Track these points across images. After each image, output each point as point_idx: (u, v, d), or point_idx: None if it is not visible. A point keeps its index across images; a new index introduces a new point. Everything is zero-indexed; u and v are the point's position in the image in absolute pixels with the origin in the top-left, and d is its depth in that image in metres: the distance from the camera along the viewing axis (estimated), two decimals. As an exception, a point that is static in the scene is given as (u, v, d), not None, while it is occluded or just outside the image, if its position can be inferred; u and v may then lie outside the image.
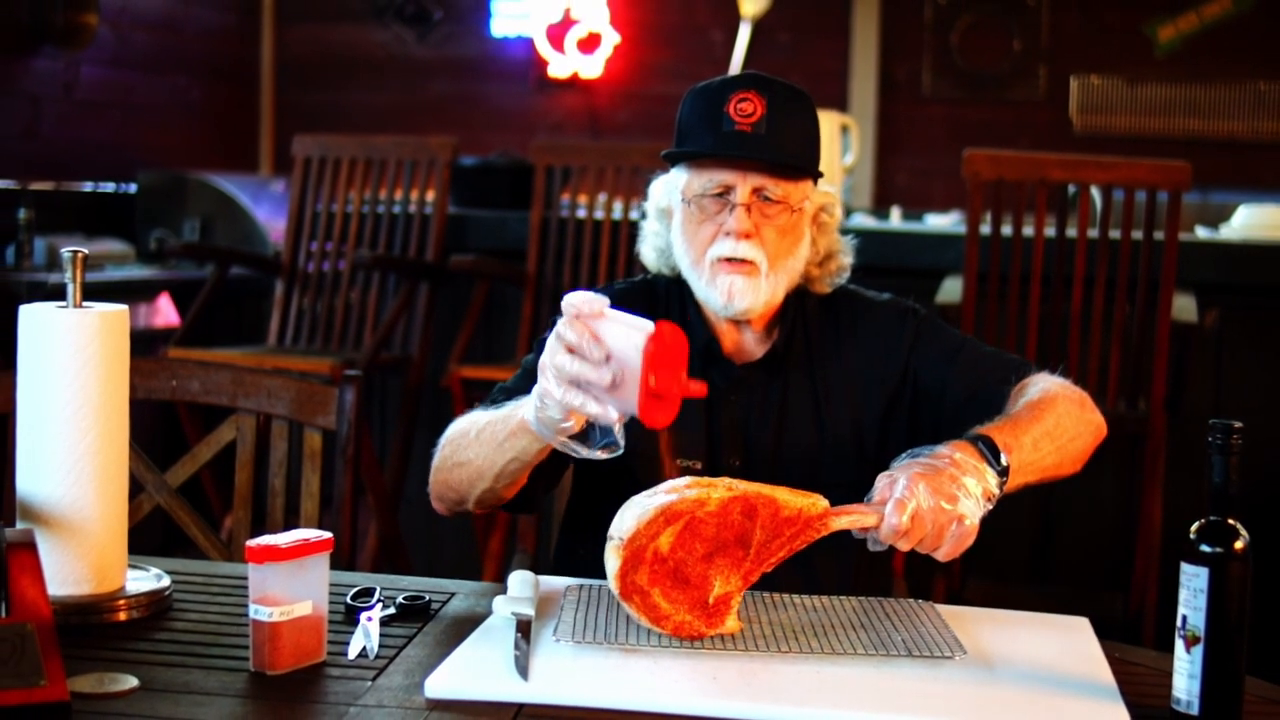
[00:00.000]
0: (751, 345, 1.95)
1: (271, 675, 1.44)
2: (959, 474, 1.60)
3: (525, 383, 1.78)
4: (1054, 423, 1.78)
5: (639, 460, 1.81)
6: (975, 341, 1.98)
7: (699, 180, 1.88)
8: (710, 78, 1.92)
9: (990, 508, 1.63)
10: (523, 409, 1.65)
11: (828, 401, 1.93)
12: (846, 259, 1.98)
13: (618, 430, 1.55)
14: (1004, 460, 1.66)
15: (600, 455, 1.58)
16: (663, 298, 1.99)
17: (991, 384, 1.88)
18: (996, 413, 1.79)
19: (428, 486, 1.88)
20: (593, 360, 1.50)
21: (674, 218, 1.93)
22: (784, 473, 1.81)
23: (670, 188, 1.95)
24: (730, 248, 1.84)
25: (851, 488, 1.86)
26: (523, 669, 1.42)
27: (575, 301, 1.52)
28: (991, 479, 1.63)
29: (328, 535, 1.49)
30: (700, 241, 1.88)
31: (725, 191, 1.86)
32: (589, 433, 1.58)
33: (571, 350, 1.51)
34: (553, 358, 1.53)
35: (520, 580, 1.67)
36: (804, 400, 1.93)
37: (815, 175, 1.91)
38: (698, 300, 1.93)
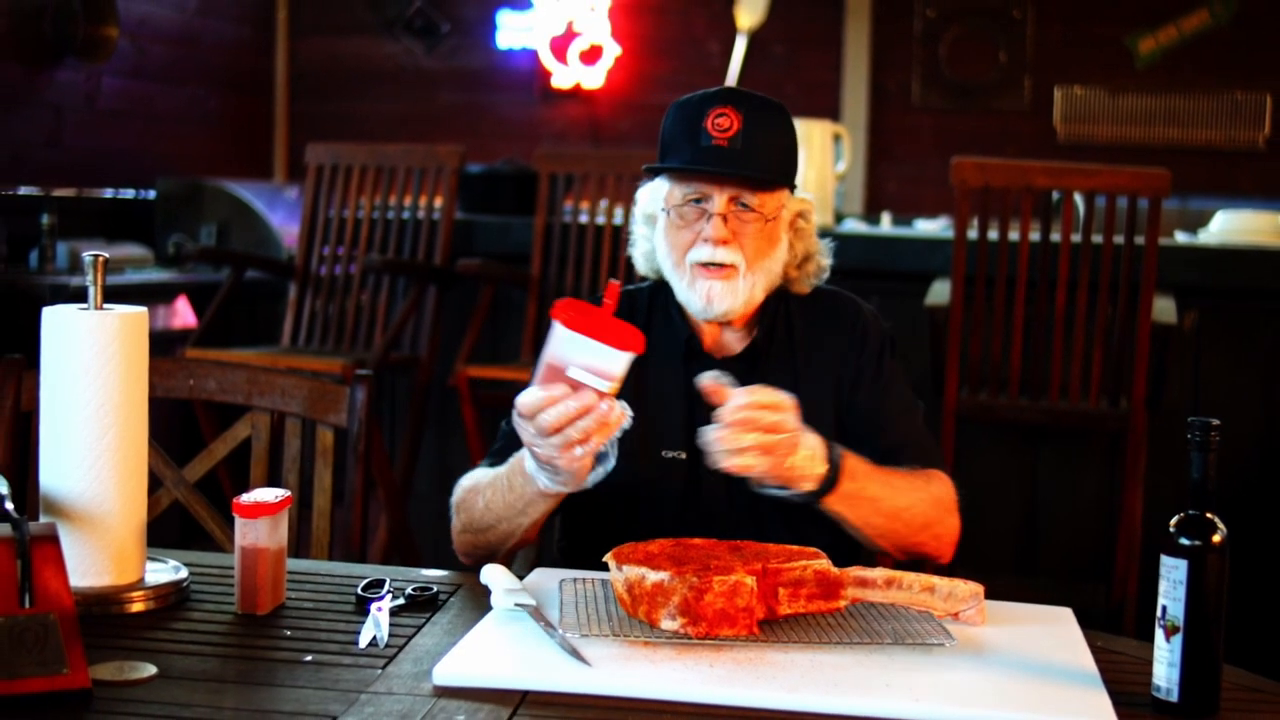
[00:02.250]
0: (732, 342, 1.98)
1: (282, 664, 1.44)
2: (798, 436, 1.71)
3: (507, 443, 1.89)
4: (909, 497, 1.85)
5: (625, 453, 1.81)
6: (920, 413, 2.02)
7: (679, 190, 1.91)
8: (694, 91, 1.94)
9: (805, 488, 1.73)
10: (533, 485, 1.73)
11: (806, 396, 1.93)
12: (825, 260, 2.01)
13: (610, 445, 1.65)
14: (840, 469, 1.76)
15: (600, 477, 1.70)
16: (642, 307, 2.02)
17: (907, 455, 1.92)
18: None
19: (451, 540, 1.93)
20: (541, 401, 1.59)
21: (657, 224, 1.96)
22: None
23: (654, 196, 1.97)
24: (708, 253, 1.87)
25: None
26: (576, 654, 1.44)
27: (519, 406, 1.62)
28: (818, 468, 1.73)
29: (288, 493, 1.66)
30: (680, 247, 1.91)
31: (703, 199, 1.89)
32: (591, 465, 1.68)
33: (527, 415, 1.61)
34: (527, 435, 1.64)
35: (499, 573, 1.67)
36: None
37: (789, 186, 1.94)
38: (679, 300, 1.95)
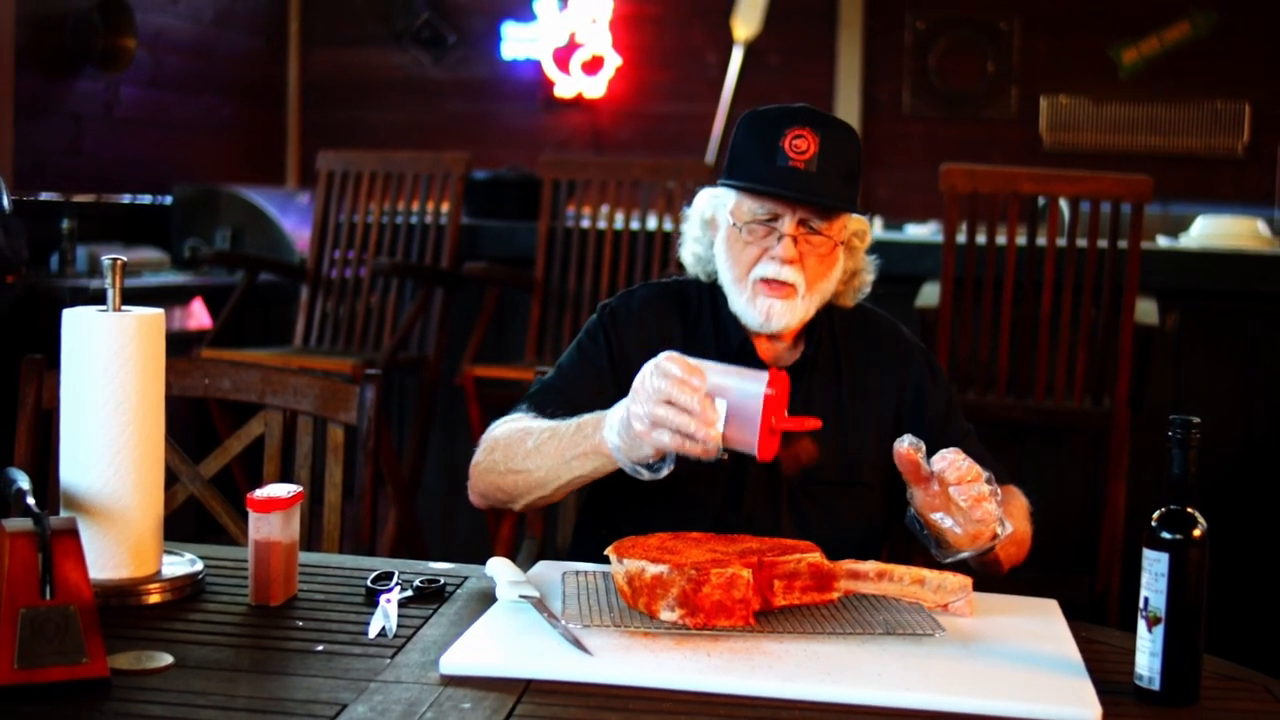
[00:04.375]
0: (782, 352, 1.95)
1: (294, 653, 1.44)
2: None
3: (564, 383, 1.86)
4: (1021, 526, 1.86)
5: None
6: (974, 433, 2.00)
7: (749, 205, 1.87)
8: (768, 105, 1.90)
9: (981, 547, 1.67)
10: (600, 434, 1.67)
11: (851, 409, 1.94)
12: (869, 276, 1.99)
13: (670, 456, 1.61)
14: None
15: (663, 475, 1.63)
16: (694, 301, 1.98)
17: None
18: None
19: (468, 481, 1.88)
20: (703, 419, 1.54)
21: (718, 232, 1.92)
22: (807, 471, 1.83)
23: (718, 204, 1.93)
24: (775, 270, 1.84)
25: (870, 489, 1.87)
26: (578, 644, 1.43)
27: (675, 368, 1.56)
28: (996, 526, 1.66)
29: (300, 489, 1.66)
30: (745, 261, 1.87)
31: (773, 218, 1.86)
32: (659, 460, 1.62)
33: (670, 403, 1.55)
34: (652, 409, 1.56)
35: (504, 566, 1.67)
36: (829, 405, 1.93)
37: (859, 210, 1.92)
38: (733, 310, 1.92)
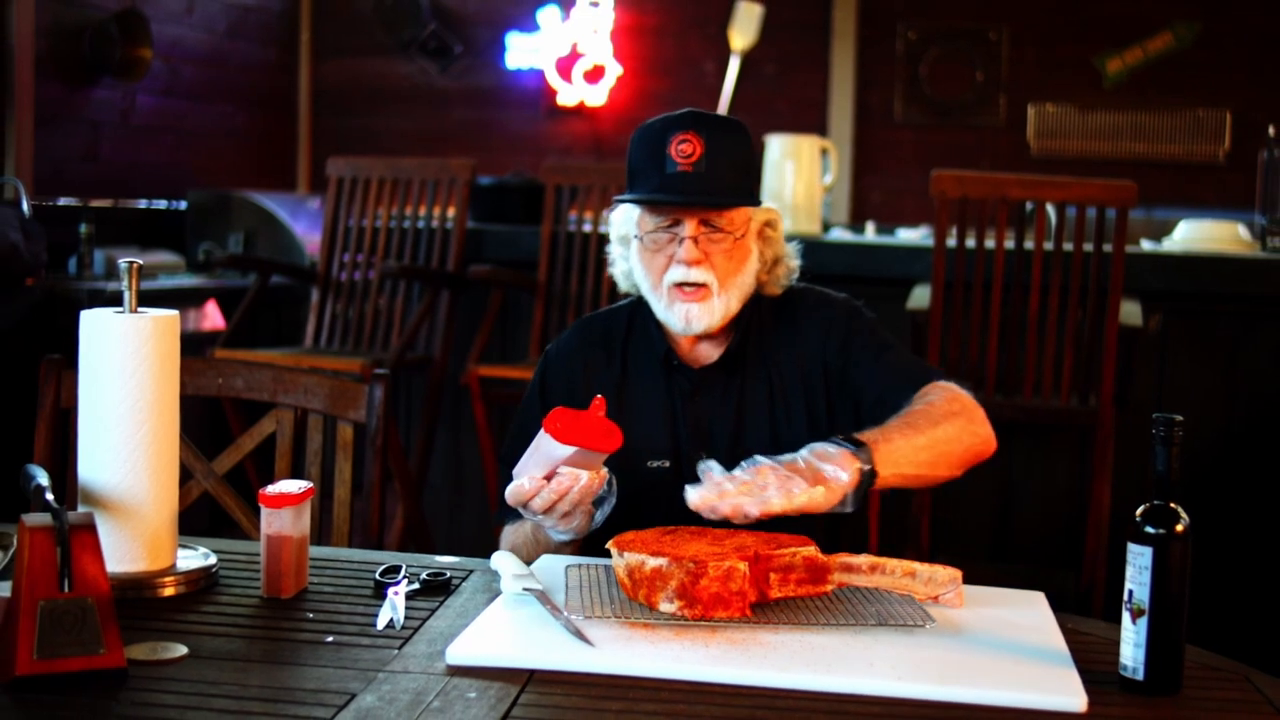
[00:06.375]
0: (708, 350, 1.95)
1: (305, 644, 1.44)
2: (814, 466, 1.60)
3: (522, 436, 1.86)
4: (932, 433, 1.74)
5: (613, 467, 1.79)
6: (900, 348, 1.95)
7: (649, 218, 1.89)
8: (656, 116, 1.89)
9: (851, 497, 1.62)
10: (552, 536, 1.77)
11: (782, 395, 1.92)
12: (794, 262, 1.97)
13: (608, 488, 1.71)
14: (872, 461, 1.64)
15: (604, 517, 1.74)
16: (622, 323, 2.00)
17: (899, 389, 1.85)
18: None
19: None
20: (527, 493, 1.65)
21: (632, 247, 1.94)
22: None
23: (626, 220, 1.95)
24: (683, 273, 1.85)
25: None
26: (580, 635, 1.43)
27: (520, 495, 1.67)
28: (846, 476, 1.61)
29: (310, 485, 1.67)
30: (656, 270, 1.89)
31: (674, 224, 1.86)
32: (593, 512, 1.73)
33: (517, 504, 1.67)
34: (526, 514, 1.69)
35: (508, 559, 1.67)
36: (759, 396, 1.92)
37: (755, 202, 1.90)
38: (659, 319, 1.93)
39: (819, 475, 1.59)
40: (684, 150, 1.83)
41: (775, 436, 1.90)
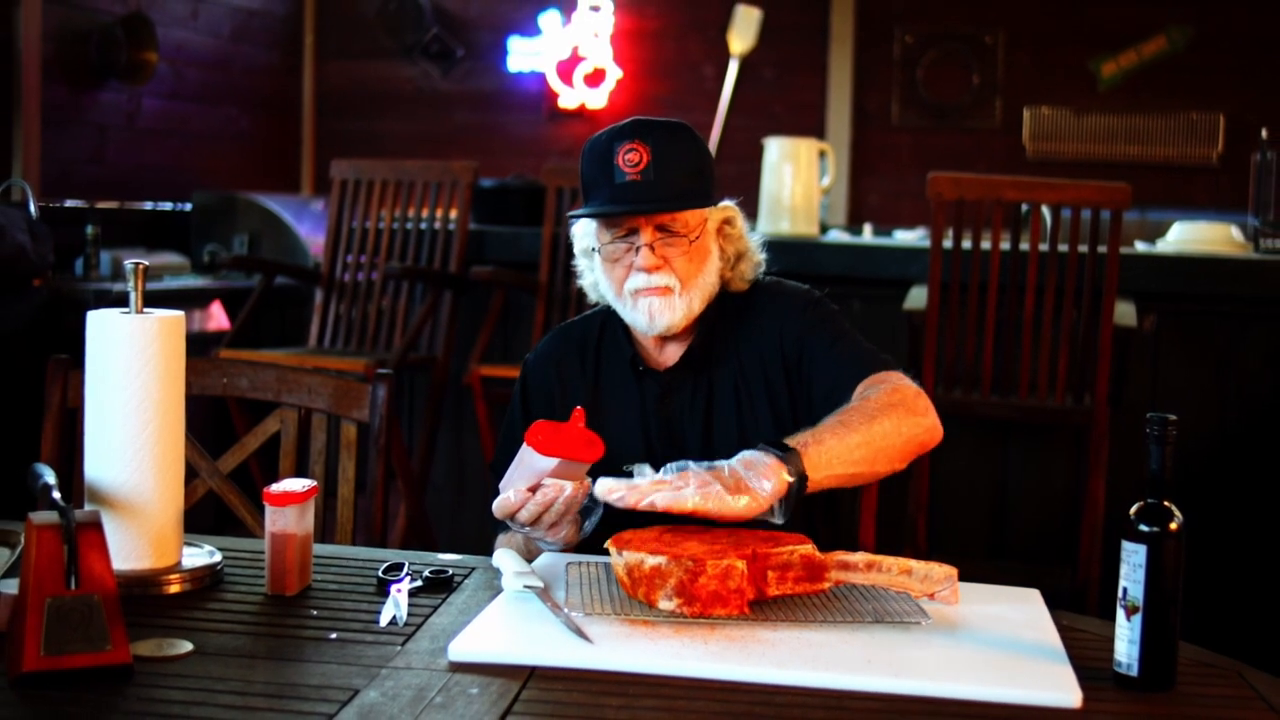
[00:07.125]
0: (675, 352, 1.94)
1: (309, 641, 1.44)
2: (738, 475, 1.58)
3: (508, 447, 1.85)
4: (868, 429, 1.71)
5: (598, 476, 1.78)
6: (854, 337, 1.92)
7: (605, 230, 1.88)
8: (603, 129, 1.89)
9: (780, 506, 1.59)
10: (541, 547, 1.79)
11: (747, 390, 1.92)
12: (758, 256, 1.96)
13: (596, 500, 1.65)
14: (802, 467, 1.62)
15: (592, 527, 1.74)
16: (595, 331, 2.00)
17: (845, 381, 1.84)
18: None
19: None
20: (512, 506, 1.66)
21: (594, 259, 1.93)
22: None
23: (586, 233, 1.94)
24: (644, 280, 1.86)
25: None
26: (580, 632, 1.43)
27: (507, 508, 1.69)
28: (770, 485, 1.58)
29: (314, 483, 1.67)
30: (617, 279, 1.89)
31: (630, 233, 1.86)
32: (580, 522, 1.74)
33: (503, 518, 1.69)
34: (514, 527, 1.71)
35: (509, 557, 1.67)
36: (727, 393, 1.92)
37: (707, 203, 1.89)
38: (627, 323, 1.94)
39: (741, 484, 1.57)
40: (631, 160, 1.83)
41: (742, 432, 1.89)
